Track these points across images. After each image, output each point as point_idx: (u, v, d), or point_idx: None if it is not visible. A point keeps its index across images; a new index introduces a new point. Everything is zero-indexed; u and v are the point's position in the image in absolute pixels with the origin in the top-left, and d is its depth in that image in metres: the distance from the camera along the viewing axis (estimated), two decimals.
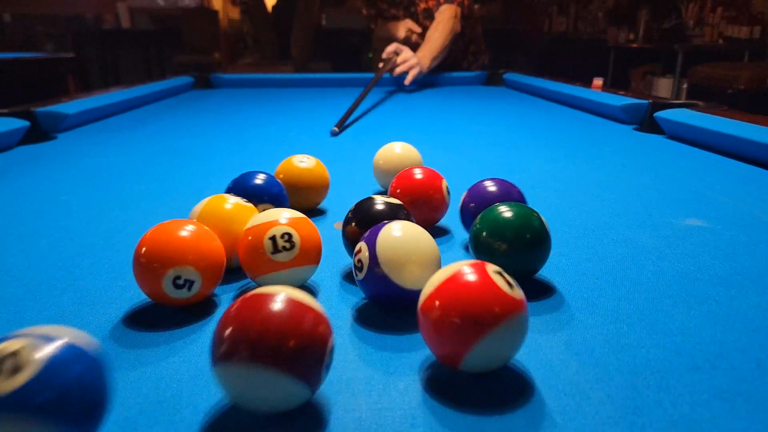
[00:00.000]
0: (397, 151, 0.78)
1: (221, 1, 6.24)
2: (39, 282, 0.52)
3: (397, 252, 0.44)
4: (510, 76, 2.23)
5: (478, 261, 0.38)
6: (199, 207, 0.54)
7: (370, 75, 2.32)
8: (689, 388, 0.36)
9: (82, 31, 5.52)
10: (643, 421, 0.33)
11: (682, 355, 0.39)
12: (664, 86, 4.49)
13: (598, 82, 1.74)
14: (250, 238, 0.47)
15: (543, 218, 0.50)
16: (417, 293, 0.40)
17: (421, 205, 0.63)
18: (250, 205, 0.56)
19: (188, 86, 2.18)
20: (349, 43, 5.06)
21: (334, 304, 0.48)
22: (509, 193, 0.59)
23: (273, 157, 1.07)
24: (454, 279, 0.36)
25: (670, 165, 0.97)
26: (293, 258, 0.47)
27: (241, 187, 0.64)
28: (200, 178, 0.93)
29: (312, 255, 0.49)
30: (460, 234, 0.65)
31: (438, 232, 0.66)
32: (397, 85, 2.13)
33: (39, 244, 0.62)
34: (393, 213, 0.53)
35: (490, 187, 0.59)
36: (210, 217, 0.53)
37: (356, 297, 0.49)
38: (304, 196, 0.72)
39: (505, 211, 0.49)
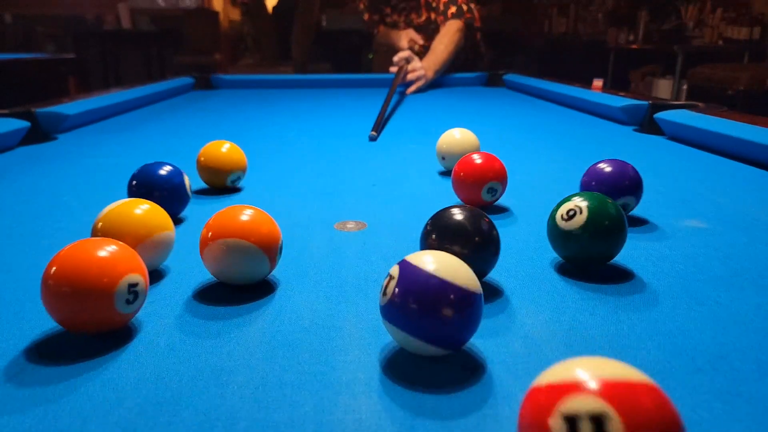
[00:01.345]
0: (456, 136, 0.91)
1: (222, 2, 6.25)
2: (39, 283, 0.52)
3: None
4: (510, 77, 2.23)
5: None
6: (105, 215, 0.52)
7: (371, 76, 2.32)
8: (690, 389, 0.36)
9: (83, 31, 5.52)
10: None
11: (682, 356, 0.39)
12: (664, 87, 4.49)
13: (598, 83, 1.74)
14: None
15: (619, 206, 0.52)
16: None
17: (481, 186, 0.70)
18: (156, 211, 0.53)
19: (189, 87, 2.18)
20: (349, 44, 5.06)
21: (334, 305, 0.48)
22: (624, 171, 0.65)
23: (273, 157, 1.08)
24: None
25: (670, 166, 0.97)
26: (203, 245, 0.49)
27: (143, 178, 0.66)
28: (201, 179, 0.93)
29: (214, 235, 0.48)
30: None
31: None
32: (398, 86, 2.13)
33: (40, 244, 0.62)
34: (475, 222, 0.48)
35: (606, 168, 0.66)
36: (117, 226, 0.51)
37: (356, 297, 0.49)
38: (223, 177, 0.83)
39: (581, 201, 0.52)
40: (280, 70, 4.44)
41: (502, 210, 0.74)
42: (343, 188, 0.85)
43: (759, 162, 0.94)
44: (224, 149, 0.83)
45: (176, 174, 0.68)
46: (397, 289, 0.37)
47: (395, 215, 0.72)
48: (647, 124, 1.29)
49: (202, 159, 0.83)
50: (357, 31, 4.87)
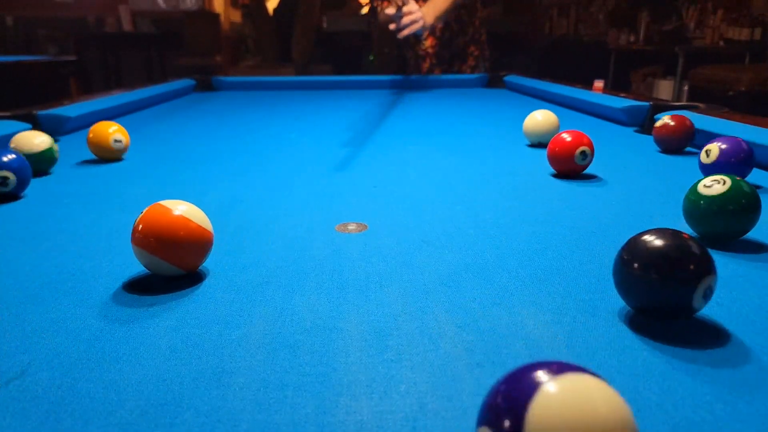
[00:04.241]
0: (538, 118, 1.15)
1: (223, 3, 6.26)
2: (40, 285, 0.52)
3: None
4: (511, 78, 2.23)
5: None
6: None
7: (371, 77, 2.32)
8: (691, 390, 0.36)
9: (84, 33, 5.53)
10: (645, 424, 0.33)
11: (683, 357, 0.39)
12: (664, 88, 4.49)
13: (598, 84, 1.74)
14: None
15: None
16: None
17: (572, 159, 0.87)
18: None
19: (190, 89, 2.18)
20: (349, 45, 5.07)
21: (335, 307, 0.48)
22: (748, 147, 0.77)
23: (274, 158, 1.08)
24: None
25: (671, 167, 0.97)
26: None
27: None
28: (202, 180, 0.93)
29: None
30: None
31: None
32: (397, 87, 2.13)
33: (41, 247, 0.62)
34: (683, 248, 0.41)
35: (742, 143, 0.78)
36: None
37: (357, 299, 0.49)
38: (112, 153, 1.03)
39: (715, 182, 0.57)
40: (280, 72, 4.44)
41: (502, 210, 0.74)
42: (344, 190, 0.85)
43: (760, 163, 0.94)
44: (111, 129, 1.02)
45: (17, 159, 0.78)
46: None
47: (396, 217, 0.72)
48: (648, 125, 1.29)
49: (91, 135, 1.01)
50: (358, 32, 4.88)
